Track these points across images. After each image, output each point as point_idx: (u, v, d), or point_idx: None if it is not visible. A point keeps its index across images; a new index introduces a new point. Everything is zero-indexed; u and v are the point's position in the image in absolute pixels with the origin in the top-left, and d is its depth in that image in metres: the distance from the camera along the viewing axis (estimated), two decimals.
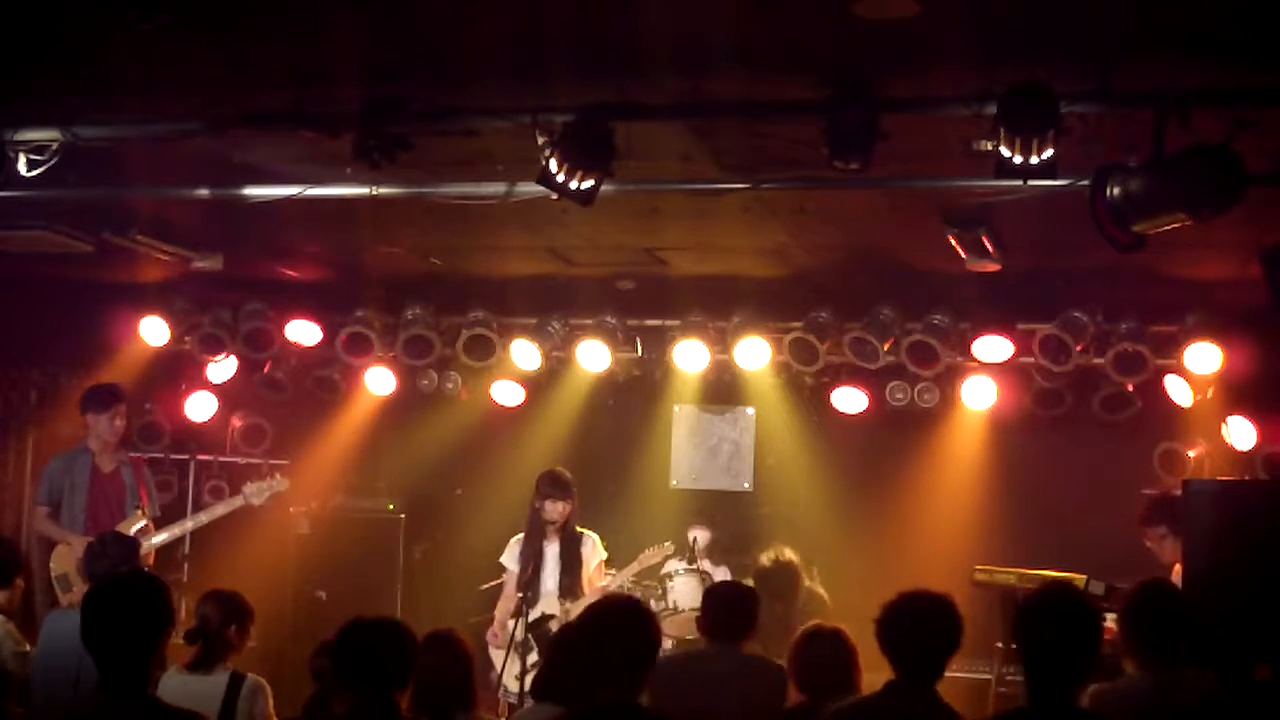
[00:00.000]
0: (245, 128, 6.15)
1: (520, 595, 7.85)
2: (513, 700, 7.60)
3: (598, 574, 8.18)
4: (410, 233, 8.26)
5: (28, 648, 6.32)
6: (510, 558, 8.29)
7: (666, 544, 8.35)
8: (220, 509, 8.96)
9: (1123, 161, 5.37)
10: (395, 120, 5.82)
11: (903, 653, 4.45)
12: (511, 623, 7.83)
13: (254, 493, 8.96)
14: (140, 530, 8.31)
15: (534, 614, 7.89)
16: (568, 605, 7.97)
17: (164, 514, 8.97)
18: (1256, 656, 5.88)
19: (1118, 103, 5.21)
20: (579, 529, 8.31)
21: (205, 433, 10.42)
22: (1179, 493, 7.81)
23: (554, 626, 7.77)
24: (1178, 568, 7.29)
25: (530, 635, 7.71)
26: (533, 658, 7.70)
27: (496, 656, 7.99)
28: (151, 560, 8.40)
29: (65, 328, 9.81)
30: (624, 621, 4.45)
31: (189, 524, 8.90)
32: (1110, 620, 5.42)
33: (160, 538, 8.59)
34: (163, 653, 4.07)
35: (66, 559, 8.29)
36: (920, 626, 4.43)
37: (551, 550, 8.22)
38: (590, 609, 4.75)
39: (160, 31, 4.96)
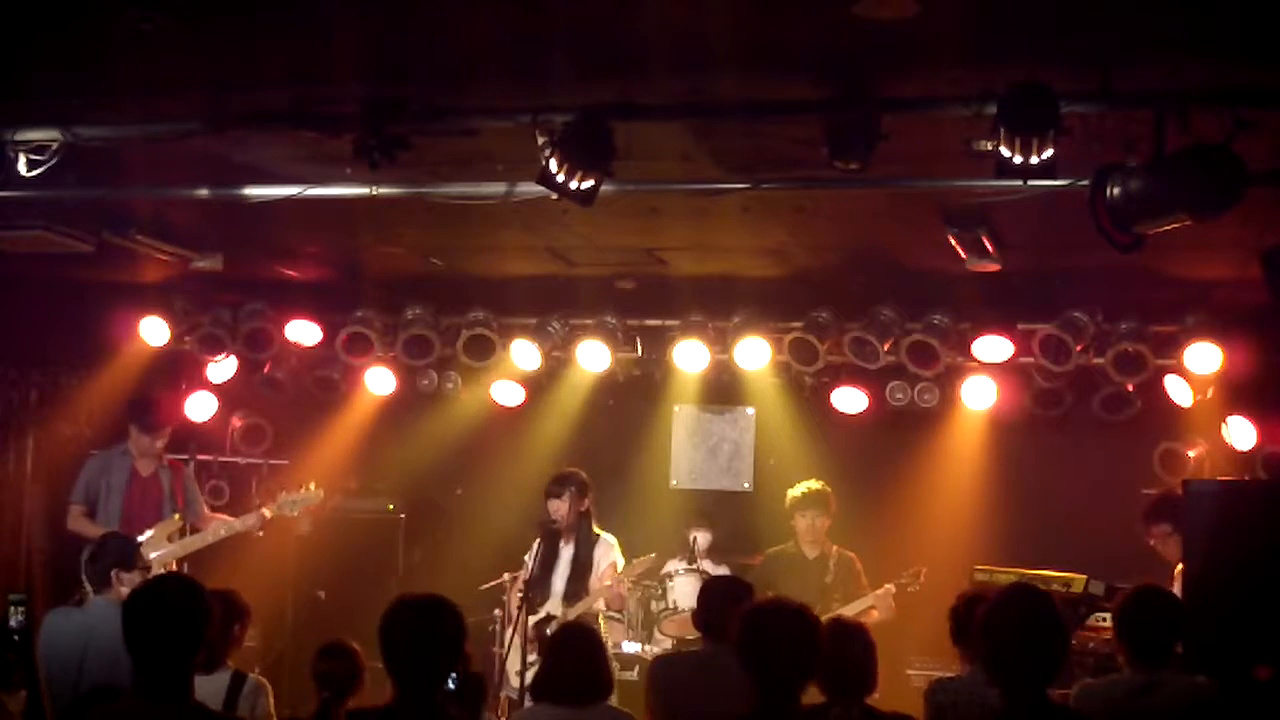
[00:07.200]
0: (245, 128, 6.15)
1: (521, 594, 7.86)
2: (513, 696, 7.61)
3: (608, 575, 8.14)
4: (410, 233, 8.25)
5: None
6: (531, 554, 8.32)
7: (651, 555, 8.35)
8: (253, 520, 8.69)
9: (1123, 161, 5.37)
10: (395, 120, 5.81)
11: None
12: (514, 617, 7.86)
13: (288, 504, 8.75)
14: (174, 534, 8.29)
15: (540, 613, 7.91)
16: (569, 608, 7.97)
17: None
18: (1256, 657, 5.89)
19: (1118, 103, 5.21)
20: (597, 531, 8.30)
21: (205, 433, 10.42)
22: None
23: (553, 628, 7.78)
24: (1181, 566, 7.30)
25: (533, 634, 7.71)
26: (532, 657, 7.70)
27: (495, 654, 8.00)
28: (177, 566, 8.27)
29: (65, 328, 9.79)
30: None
31: (222, 531, 8.68)
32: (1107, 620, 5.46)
33: (193, 544, 8.45)
34: (200, 657, 4.08)
35: None
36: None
37: (567, 552, 8.23)
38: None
39: (160, 31, 4.97)
